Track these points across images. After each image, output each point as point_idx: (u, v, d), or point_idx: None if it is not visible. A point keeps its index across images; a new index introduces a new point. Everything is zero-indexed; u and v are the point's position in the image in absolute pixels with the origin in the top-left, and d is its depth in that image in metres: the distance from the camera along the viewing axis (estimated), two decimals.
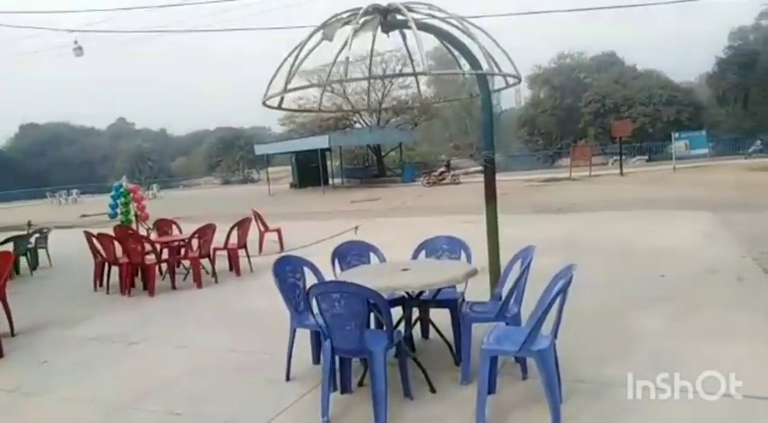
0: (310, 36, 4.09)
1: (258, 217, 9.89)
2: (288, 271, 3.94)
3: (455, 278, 3.59)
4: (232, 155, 57.82)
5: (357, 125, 31.57)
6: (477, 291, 4.24)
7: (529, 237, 5.41)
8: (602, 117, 41.82)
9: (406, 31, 4.38)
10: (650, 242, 8.19)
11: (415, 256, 4.53)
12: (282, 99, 4.35)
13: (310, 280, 3.86)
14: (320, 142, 26.47)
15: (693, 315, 4.64)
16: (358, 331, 3.06)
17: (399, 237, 7.34)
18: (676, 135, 24.16)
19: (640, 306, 4.94)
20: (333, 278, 3.85)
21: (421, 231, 5.43)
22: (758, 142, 23.95)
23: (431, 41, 4.44)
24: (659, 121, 39.62)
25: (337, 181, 33.36)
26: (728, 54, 41.79)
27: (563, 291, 2.86)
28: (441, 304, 3.97)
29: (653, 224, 10.04)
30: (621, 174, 22.25)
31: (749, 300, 4.96)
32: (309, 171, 30.27)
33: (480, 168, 27.48)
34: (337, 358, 3.21)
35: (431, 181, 25.42)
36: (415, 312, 4.04)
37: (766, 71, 37.21)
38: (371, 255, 4.66)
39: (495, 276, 4.45)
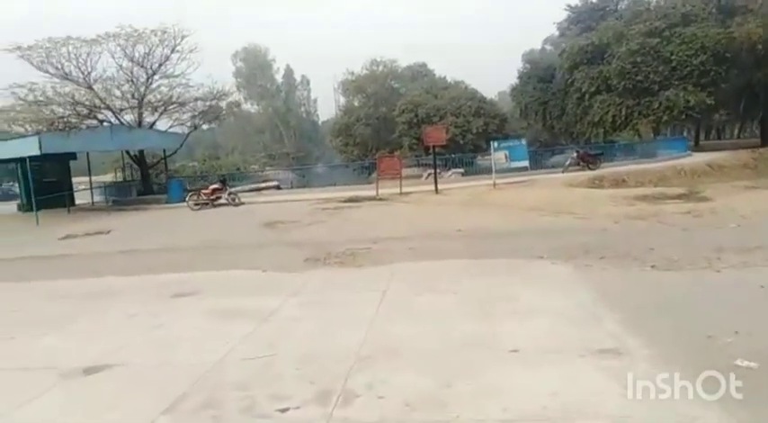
0: None
1: None
2: None
3: None
4: None
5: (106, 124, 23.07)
6: None
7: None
8: (416, 127, 39.28)
9: None
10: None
11: None
12: None
13: None
14: (28, 146, 17.75)
15: None
16: None
17: None
18: (495, 144, 20.37)
19: None
20: None
21: None
22: (575, 155, 21.78)
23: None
24: (469, 132, 38.33)
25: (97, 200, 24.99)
26: (528, 69, 42.93)
27: None
28: None
29: (486, 307, 5.11)
30: (437, 191, 18.19)
31: None
32: (46, 187, 21.37)
33: (275, 184, 21.36)
34: None
35: (199, 202, 18.67)
36: None
37: (560, 87, 38.08)
38: None
39: None
